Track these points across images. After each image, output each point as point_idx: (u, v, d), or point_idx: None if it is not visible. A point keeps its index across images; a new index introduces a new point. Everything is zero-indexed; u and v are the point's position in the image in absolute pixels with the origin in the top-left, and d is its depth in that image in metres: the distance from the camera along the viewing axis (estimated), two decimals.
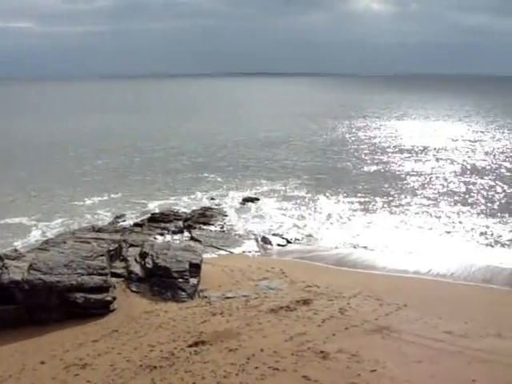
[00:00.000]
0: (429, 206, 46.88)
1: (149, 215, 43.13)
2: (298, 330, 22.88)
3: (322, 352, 20.89)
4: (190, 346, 21.64)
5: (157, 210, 44.95)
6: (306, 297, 27.00)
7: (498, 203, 47.78)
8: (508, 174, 60.83)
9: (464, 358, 20.75)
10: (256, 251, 36.60)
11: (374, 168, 64.69)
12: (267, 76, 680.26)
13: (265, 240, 38.25)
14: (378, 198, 49.16)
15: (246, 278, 30.13)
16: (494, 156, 72.55)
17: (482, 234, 39.35)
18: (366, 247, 36.92)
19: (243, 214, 45.12)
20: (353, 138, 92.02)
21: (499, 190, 52.82)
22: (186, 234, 39.56)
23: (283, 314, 24.84)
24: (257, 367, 19.82)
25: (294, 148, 79.93)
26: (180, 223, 41.25)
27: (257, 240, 38.47)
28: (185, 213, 43.93)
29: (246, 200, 48.65)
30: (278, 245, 37.67)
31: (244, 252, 36.36)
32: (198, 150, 77.67)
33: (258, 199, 48.91)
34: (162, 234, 38.77)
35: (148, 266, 29.53)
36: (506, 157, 71.90)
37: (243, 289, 28.29)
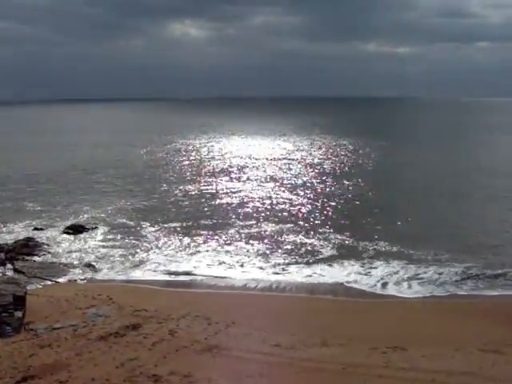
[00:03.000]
0: (251, 225, 48.71)
1: None
2: (128, 356, 23.05)
3: (154, 376, 21.23)
4: (18, 382, 21.07)
5: None
6: (135, 321, 27.24)
7: (318, 219, 50.66)
8: (322, 189, 64.75)
9: (293, 369, 22.03)
10: (82, 279, 36.26)
11: (196, 190, 66.01)
12: (87, 102, 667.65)
13: (90, 267, 37.94)
14: (201, 221, 50.21)
15: (74, 306, 29.80)
16: (309, 173, 76.96)
17: (304, 250, 41.55)
18: (192, 268, 37.87)
19: (67, 242, 44.27)
20: (174, 162, 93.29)
21: (318, 206, 56.09)
22: (9, 265, 38.25)
23: (113, 340, 24.89)
24: None
25: (116, 174, 79.08)
26: (2, 255, 39.74)
27: (82, 268, 38.06)
28: (6, 244, 42.25)
29: (70, 228, 47.65)
30: (105, 271, 37.60)
31: (70, 281, 35.92)
32: (14, 178, 74.21)
33: (81, 226, 48.07)
34: None
35: None
36: (319, 173, 76.70)
37: (71, 318, 27.94)
